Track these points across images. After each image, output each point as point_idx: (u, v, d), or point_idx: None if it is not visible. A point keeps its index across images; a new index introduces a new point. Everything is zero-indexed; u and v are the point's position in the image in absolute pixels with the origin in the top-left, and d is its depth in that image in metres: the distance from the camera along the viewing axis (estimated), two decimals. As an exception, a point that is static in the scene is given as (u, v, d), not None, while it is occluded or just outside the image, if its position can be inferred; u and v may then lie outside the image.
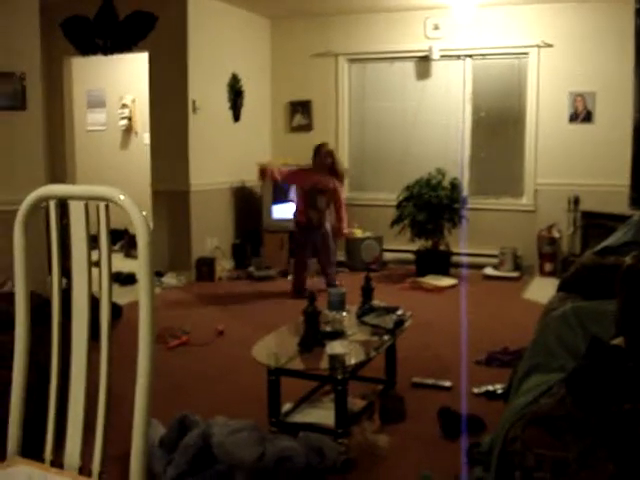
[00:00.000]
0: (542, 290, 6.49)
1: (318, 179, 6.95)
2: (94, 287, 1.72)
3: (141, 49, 7.70)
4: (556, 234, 8.00)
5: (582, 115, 8.00)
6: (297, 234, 7.15)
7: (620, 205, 6.78)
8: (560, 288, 4.33)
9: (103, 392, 1.69)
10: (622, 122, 7.32)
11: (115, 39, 7.74)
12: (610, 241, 4.79)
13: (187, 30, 7.50)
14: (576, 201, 7.87)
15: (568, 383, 2.13)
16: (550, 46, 8.01)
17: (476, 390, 4.23)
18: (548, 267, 7.96)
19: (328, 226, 7.08)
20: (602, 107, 7.88)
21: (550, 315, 3.23)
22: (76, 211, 1.70)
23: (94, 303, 1.72)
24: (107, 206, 1.66)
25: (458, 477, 3.03)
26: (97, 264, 1.69)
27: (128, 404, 1.69)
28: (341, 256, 8.47)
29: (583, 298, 3.64)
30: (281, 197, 8.33)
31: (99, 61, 8.63)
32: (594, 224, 7.16)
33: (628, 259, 2.35)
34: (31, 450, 1.81)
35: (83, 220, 1.69)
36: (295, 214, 7.09)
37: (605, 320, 2.56)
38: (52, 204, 1.73)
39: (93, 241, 1.69)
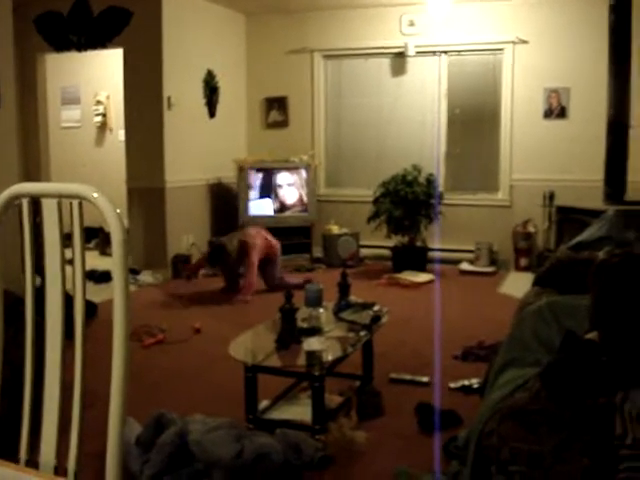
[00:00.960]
0: (517, 285, 6.54)
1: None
2: (68, 285, 1.71)
3: (116, 45, 7.65)
4: (531, 229, 8.07)
5: (557, 111, 8.06)
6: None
7: (595, 200, 6.82)
8: (535, 283, 4.36)
9: (78, 391, 1.68)
10: (596, 118, 7.37)
11: (89, 35, 7.68)
12: (584, 236, 4.84)
13: (162, 26, 7.46)
14: (551, 196, 7.92)
15: (543, 377, 2.14)
16: (525, 42, 8.06)
17: (453, 385, 4.25)
18: (523, 262, 8.02)
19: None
20: (576, 103, 7.94)
21: (525, 310, 3.25)
22: (49, 209, 1.68)
23: (68, 301, 1.71)
24: (80, 204, 1.65)
25: (435, 472, 3.04)
26: (71, 262, 1.68)
27: (103, 403, 1.68)
28: (318, 252, 8.48)
29: (558, 292, 3.67)
30: (261, 193, 8.35)
31: (73, 57, 8.58)
32: (569, 219, 7.22)
33: (601, 254, 2.38)
34: (5, 450, 1.80)
35: (56, 218, 1.68)
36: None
37: (580, 314, 2.58)
38: (25, 202, 1.71)
39: (67, 239, 1.68)
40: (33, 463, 1.71)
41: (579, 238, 4.83)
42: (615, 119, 6.69)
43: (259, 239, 6.90)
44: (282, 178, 8.46)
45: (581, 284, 2.55)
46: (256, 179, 8.38)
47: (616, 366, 2.04)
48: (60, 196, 1.68)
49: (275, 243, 7.09)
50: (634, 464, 1.83)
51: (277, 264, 7.10)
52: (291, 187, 8.49)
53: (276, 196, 8.48)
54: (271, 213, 8.45)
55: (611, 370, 2.03)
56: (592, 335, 2.29)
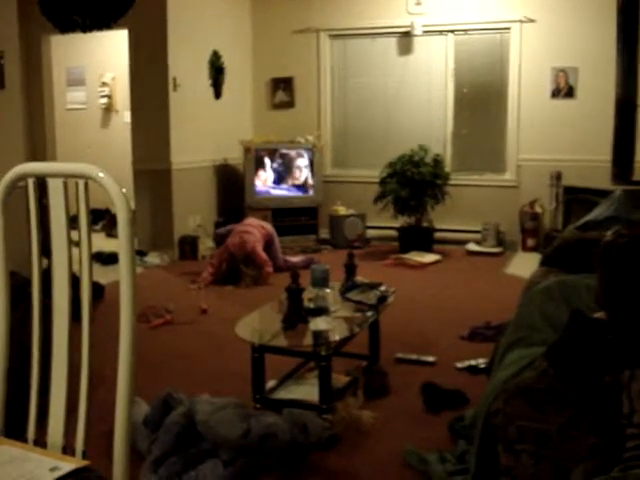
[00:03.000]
0: (524, 265, 6.53)
1: None
2: (75, 267, 1.71)
3: (121, 26, 7.61)
4: (538, 209, 8.04)
5: (564, 91, 8.01)
6: None
7: (602, 180, 6.81)
8: (542, 263, 4.35)
9: (85, 371, 1.68)
10: (604, 98, 7.34)
11: (94, 16, 7.64)
12: (592, 216, 4.82)
13: (167, 6, 7.42)
14: (558, 176, 7.89)
15: (549, 355, 2.14)
16: (532, 21, 7.99)
17: (459, 365, 4.26)
18: (530, 242, 8.01)
19: None
20: (584, 83, 7.89)
21: (533, 289, 3.24)
22: (55, 189, 1.68)
23: (75, 283, 1.71)
24: (86, 184, 1.65)
25: (442, 451, 3.05)
26: (78, 243, 1.68)
27: (111, 383, 1.69)
28: (324, 233, 8.48)
29: (565, 273, 3.66)
30: (267, 174, 8.35)
31: (78, 39, 8.53)
32: (576, 199, 7.20)
33: (608, 235, 2.37)
34: (14, 430, 1.81)
35: (62, 198, 1.68)
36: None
37: (588, 294, 2.58)
38: (30, 182, 1.71)
39: (74, 221, 1.67)
40: (41, 443, 1.72)
41: (586, 218, 4.82)
42: (623, 99, 6.67)
43: (257, 231, 6.91)
44: (288, 159, 8.44)
45: (588, 264, 2.55)
46: (262, 160, 8.36)
47: (623, 345, 2.04)
48: (66, 176, 1.67)
49: (269, 228, 7.13)
50: (641, 443, 1.83)
51: (277, 246, 7.13)
52: (298, 168, 8.48)
53: (283, 177, 8.47)
54: (277, 194, 8.44)
55: (618, 349, 2.03)
56: (599, 315, 2.29)
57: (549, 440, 1.97)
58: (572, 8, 7.82)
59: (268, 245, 7.04)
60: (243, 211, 8.32)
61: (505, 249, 8.07)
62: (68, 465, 1.62)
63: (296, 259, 7.19)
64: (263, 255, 6.73)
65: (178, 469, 2.86)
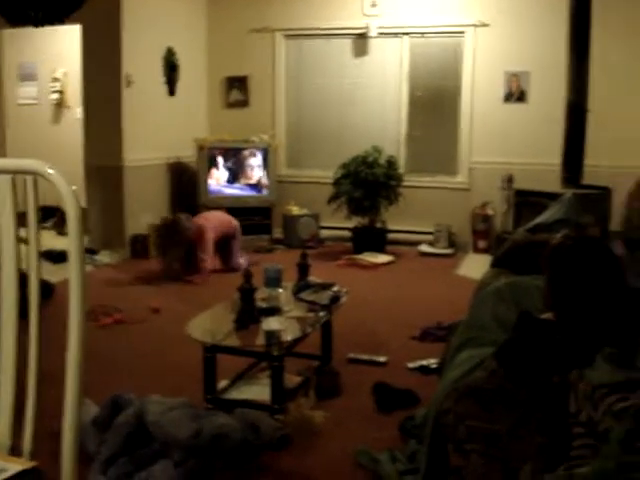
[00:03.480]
0: (476, 266, 6.60)
1: None
2: (23, 265, 1.68)
3: (74, 21, 7.49)
4: (490, 212, 8.14)
5: (516, 95, 8.12)
6: None
7: (552, 183, 6.90)
8: (493, 264, 4.40)
9: (33, 371, 1.66)
10: (556, 102, 7.43)
11: (47, 10, 7.50)
12: (542, 219, 4.89)
13: (121, 1, 7.33)
14: (510, 179, 7.98)
15: (498, 355, 2.17)
16: (486, 25, 8.08)
17: (410, 365, 4.29)
18: (482, 244, 8.10)
19: None
20: (536, 87, 8.00)
21: (485, 290, 3.28)
22: (2, 185, 1.65)
23: (23, 281, 1.68)
24: (35, 180, 1.62)
25: (392, 450, 3.07)
26: (26, 241, 1.65)
27: (60, 383, 1.66)
28: (278, 233, 8.47)
29: (515, 274, 3.71)
30: (220, 173, 8.30)
31: (31, 33, 8.39)
32: (527, 202, 7.28)
33: (555, 238, 2.41)
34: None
35: (10, 194, 1.65)
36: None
37: (538, 295, 2.62)
38: (-23, 178, 1.67)
39: (23, 218, 1.65)
40: (-13, 444, 1.69)
41: (537, 221, 4.88)
42: (573, 103, 6.76)
43: (213, 220, 6.89)
44: (242, 158, 8.41)
45: (538, 266, 2.59)
46: (216, 158, 8.32)
47: (571, 345, 2.08)
48: (14, 172, 1.64)
49: (233, 222, 7.09)
50: (587, 441, 1.86)
51: (237, 242, 7.09)
52: (251, 167, 8.45)
53: (236, 176, 8.43)
54: (231, 193, 8.40)
55: (566, 349, 2.06)
56: (547, 315, 2.33)
57: (498, 440, 2.00)
58: (525, 13, 7.93)
59: (226, 240, 7.00)
60: (196, 210, 8.26)
61: (457, 250, 8.15)
62: (15, 466, 1.59)
63: (242, 260, 7.11)
64: (208, 245, 6.73)
65: (128, 470, 2.83)
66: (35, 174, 1.61)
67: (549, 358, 2.06)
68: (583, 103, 6.72)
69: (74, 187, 1.57)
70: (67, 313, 1.59)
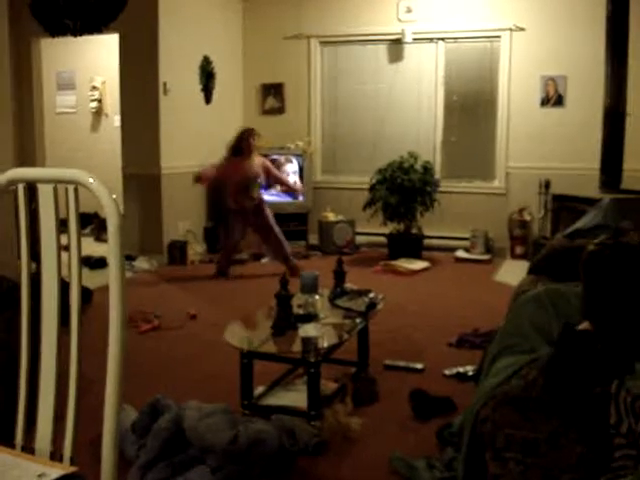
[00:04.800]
0: (513, 272, 6.55)
1: (248, 169, 7.00)
2: (64, 271, 1.70)
3: (111, 30, 7.60)
4: (527, 217, 8.07)
5: (553, 99, 8.05)
6: (230, 218, 7.15)
7: (590, 188, 6.83)
8: (530, 271, 4.37)
9: (74, 377, 1.68)
10: (593, 106, 7.37)
11: (85, 20, 7.63)
12: (580, 224, 4.84)
13: (158, 11, 7.41)
14: (547, 184, 7.92)
15: (545, 373, 2.14)
16: (522, 30, 8.03)
17: (447, 372, 4.26)
18: (519, 250, 8.03)
19: (265, 208, 7.17)
20: (573, 91, 7.93)
21: (523, 297, 3.25)
22: (45, 194, 1.68)
23: (64, 287, 1.71)
24: (76, 189, 1.64)
25: (429, 458, 3.05)
26: (67, 248, 1.68)
27: (99, 388, 1.68)
28: (314, 239, 8.49)
29: (553, 280, 3.68)
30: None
31: (69, 42, 8.52)
32: (565, 207, 7.22)
33: (591, 245, 2.37)
34: (2, 436, 1.80)
35: (52, 204, 1.67)
36: (228, 200, 7.11)
37: (576, 302, 2.58)
38: (20, 187, 1.70)
39: (63, 225, 1.67)
40: (29, 449, 1.71)
41: (575, 226, 4.84)
42: (612, 107, 6.69)
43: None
44: (278, 164, 8.43)
45: (576, 272, 2.56)
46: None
47: (611, 355, 2.05)
48: (56, 181, 1.67)
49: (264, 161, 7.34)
50: (629, 452, 1.84)
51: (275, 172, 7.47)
52: (287, 174, 8.47)
53: (272, 182, 8.46)
54: (267, 199, 8.42)
55: (606, 360, 2.04)
56: (585, 325, 2.30)
57: (537, 448, 1.98)
58: (561, 17, 7.86)
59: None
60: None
61: (493, 256, 8.09)
62: (56, 471, 1.61)
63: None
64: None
65: (166, 475, 2.85)
66: (77, 184, 1.63)
67: (590, 370, 2.03)
68: (622, 107, 6.64)
69: (114, 196, 1.59)
70: (105, 319, 1.61)
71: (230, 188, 7.03)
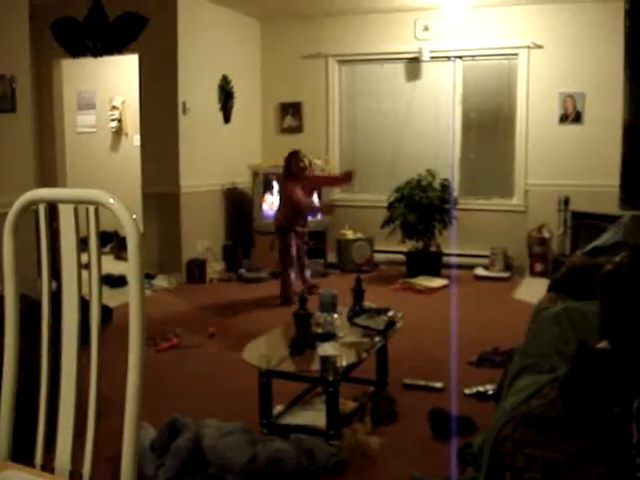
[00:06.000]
0: (532, 290, 6.51)
1: (308, 195, 7.03)
2: (84, 290, 1.71)
3: (131, 51, 7.68)
4: (546, 234, 8.03)
5: (572, 116, 8.03)
6: (281, 236, 6.99)
7: (610, 205, 6.78)
8: (550, 288, 4.34)
9: (93, 395, 1.68)
10: (612, 123, 7.33)
11: (105, 41, 7.72)
12: (600, 241, 4.81)
13: (177, 31, 7.49)
14: (566, 201, 7.89)
15: (560, 391, 2.12)
16: (540, 47, 8.03)
17: (467, 391, 4.24)
18: (538, 267, 7.98)
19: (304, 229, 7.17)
20: (592, 108, 7.91)
21: (542, 315, 3.23)
22: (65, 214, 1.69)
23: (84, 306, 1.71)
24: (97, 209, 1.65)
25: (449, 478, 3.03)
26: (87, 267, 1.69)
27: (118, 407, 1.68)
28: (332, 257, 8.48)
29: (573, 298, 3.65)
30: (275, 198, 8.35)
31: (89, 63, 8.61)
32: (584, 224, 7.18)
33: (609, 264, 2.35)
34: (22, 455, 1.80)
35: (72, 223, 1.69)
36: (276, 216, 7.06)
37: (595, 321, 2.57)
38: (41, 208, 1.72)
39: (83, 244, 1.68)
40: (49, 468, 1.72)
41: (595, 243, 4.80)
42: (631, 124, 6.65)
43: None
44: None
45: (596, 290, 2.54)
46: (270, 183, 8.38)
47: (630, 375, 2.03)
48: (77, 202, 1.68)
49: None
50: (651, 472, 1.81)
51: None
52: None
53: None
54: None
55: (625, 379, 2.02)
56: (604, 344, 2.28)
57: (558, 469, 1.96)
58: (579, 34, 7.86)
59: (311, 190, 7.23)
60: (251, 234, 8.34)
61: (513, 274, 8.05)
62: (75, 490, 1.61)
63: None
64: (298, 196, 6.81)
65: (184, 494, 2.84)
66: (97, 204, 1.64)
67: (609, 389, 2.01)
68: (641, 124, 6.61)
69: (134, 216, 1.60)
70: (125, 337, 1.61)
71: (287, 210, 6.94)
